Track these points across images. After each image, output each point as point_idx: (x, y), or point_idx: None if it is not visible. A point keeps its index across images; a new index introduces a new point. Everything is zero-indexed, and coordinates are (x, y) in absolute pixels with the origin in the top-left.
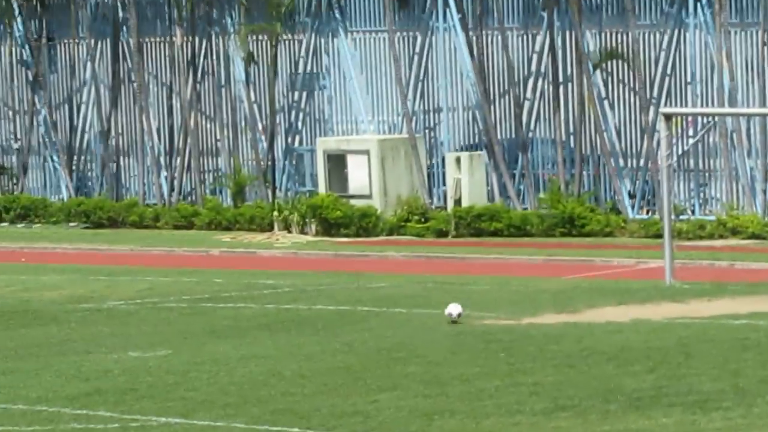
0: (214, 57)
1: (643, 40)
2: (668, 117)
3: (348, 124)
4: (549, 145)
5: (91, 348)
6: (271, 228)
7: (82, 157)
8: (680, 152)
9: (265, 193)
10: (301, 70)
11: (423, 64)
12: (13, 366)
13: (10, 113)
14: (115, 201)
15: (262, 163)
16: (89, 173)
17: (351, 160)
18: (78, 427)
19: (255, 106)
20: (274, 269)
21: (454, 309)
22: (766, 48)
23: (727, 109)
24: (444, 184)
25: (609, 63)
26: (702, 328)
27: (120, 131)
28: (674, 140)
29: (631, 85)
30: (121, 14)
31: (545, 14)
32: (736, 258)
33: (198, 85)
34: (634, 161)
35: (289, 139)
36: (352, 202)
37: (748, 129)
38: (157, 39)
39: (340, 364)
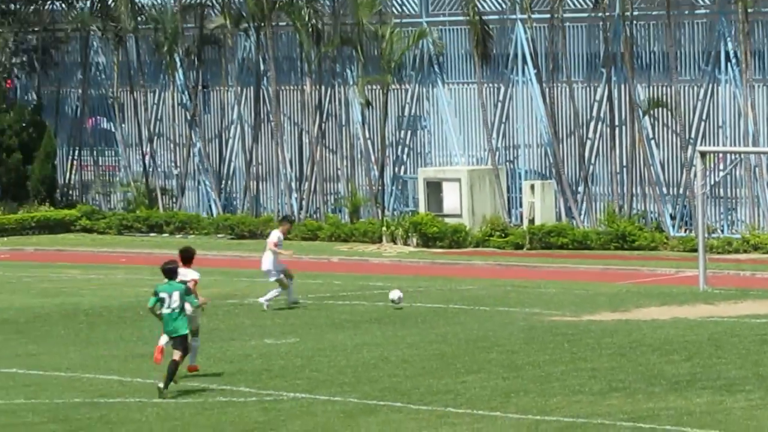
0: (337, 102)
1: (684, 92)
2: (703, 154)
3: (444, 158)
4: (605, 175)
5: (234, 336)
6: (380, 240)
7: (229, 182)
8: (713, 183)
9: (376, 212)
10: (406, 113)
11: (505, 110)
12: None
13: (171, 145)
14: (255, 217)
15: (373, 188)
16: (234, 195)
17: (446, 186)
18: (223, 400)
19: (369, 142)
20: (383, 274)
21: (395, 294)
22: None
23: (751, 149)
24: (521, 207)
25: (655, 110)
26: (729, 326)
27: (260, 161)
28: (708, 173)
29: (674, 128)
30: (262, 67)
31: (604, 70)
32: (758, 269)
33: (323, 125)
34: (675, 189)
35: (396, 169)
36: (446, 220)
37: None
38: (291, 87)
39: (435, 352)
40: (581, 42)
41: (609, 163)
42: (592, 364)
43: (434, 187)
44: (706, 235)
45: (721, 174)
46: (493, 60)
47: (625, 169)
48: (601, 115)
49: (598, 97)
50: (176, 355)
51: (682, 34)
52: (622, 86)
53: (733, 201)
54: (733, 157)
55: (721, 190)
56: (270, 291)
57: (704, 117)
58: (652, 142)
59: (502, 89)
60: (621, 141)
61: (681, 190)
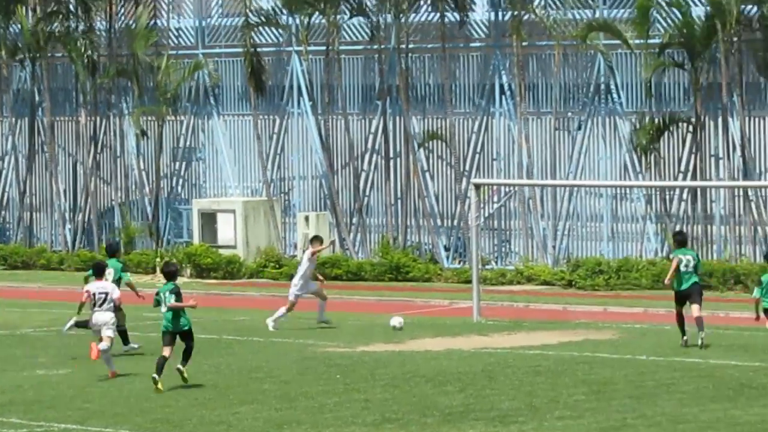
0: (112, 133)
1: (459, 124)
2: (477, 186)
3: (219, 189)
4: (380, 207)
5: (6, 366)
6: (154, 271)
7: (2, 212)
8: (487, 215)
9: (150, 243)
10: (182, 144)
11: (280, 141)
12: None
13: None
14: (28, 248)
15: (148, 219)
16: (8, 225)
17: (220, 218)
18: None
19: (144, 173)
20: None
21: (396, 320)
22: (556, 132)
23: (524, 181)
24: (295, 238)
25: (430, 142)
26: (503, 357)
27: (34, 191)
28: (482, 205)
29: (448, 160)
30: (37, 98)
31: (380, 103)
32: (531, 300)
33: (98, 156)
34: (450, 221)
35: (171, 200)
36: (221, 251)
37: (542, 197)
38: (66, 118)
39: (209, 382)
40: (357, 74)
41: (384, 195)
42: (366, 395)
43: (209, 218)
44: (480, 267)
45: (495, 206)
46: (268, 92)
47: (399, 201)
48: (376, 146)
49: (373, 129)
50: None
51: (457, 67)
52: (397, 118)
53: (507, 233)
54: (507, 189)
55: (495, 222)
56: (279, 310)
57: (479, 149)
58: (427, 174)
59: (278, 121)
60: (396, 173)
61: (455, 222)
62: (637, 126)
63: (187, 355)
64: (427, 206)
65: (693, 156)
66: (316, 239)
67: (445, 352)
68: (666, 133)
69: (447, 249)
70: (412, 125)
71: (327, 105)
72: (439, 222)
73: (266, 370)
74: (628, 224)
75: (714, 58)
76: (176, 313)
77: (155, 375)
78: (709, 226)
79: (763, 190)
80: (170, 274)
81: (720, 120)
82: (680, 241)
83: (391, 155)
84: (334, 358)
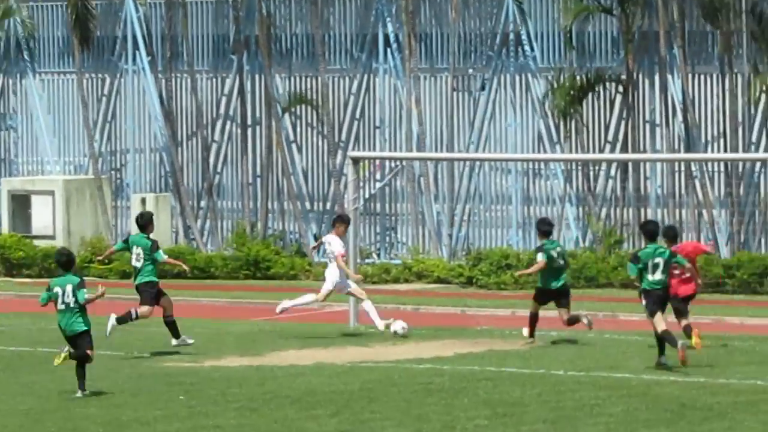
0: None
1: (333, 84)
2: (356, 161)
3: (34, 165)
4: (235, 186)
5: None
6: None
7: None
8: (367, 196)
9: None
10: None
11: (111, 106)
12: None
13: None
14: None
15: None
16: None
17: (35, 201)
18: None
19: None
20: None
21: (398, 326)
22: (455, 94)
23: (414, 154)
24: (128, 226)
25: (298, 107)
26: (386, 372)
27: None
28: (361, 184)
29: (320, 129)
30: None
31: (235, 58)
32: (421, 302)
33: None
34: (321, 204)
35: None
36: (36, 242)
37: (436, 174)
38: None
39: (20, 406)
40: (206, 22)
41: (239, 172)
42: (216, 421)
43: (21, 202)
44: (359, 261)
45: (378, 185)
46: (96, 44)
47: (259, 180)
48: (231, 112)
49: (226, 91)
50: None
51: (331, 14)
52: (257, 77)
53: (393, 219)
54: (393, 164)
55: (378, 206)
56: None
57: (358, 115)
58: (294, 146)
59: (108, 81)
60: (255, 145)
61: (328, 206)
62: (555, 85)
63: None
64: (293, 186)
65: (623, 122)
66: (341, 221)
67: (315, 367)
68: (590, 95)
69: (317, 239)
70: (275, 85)
71: (169, 61)
72: (308, 205)
73: (92, 390)
74: (542, 207)
75: (649, 1)
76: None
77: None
78: (642, 209)
79: (709, 164)
80: (68, 264)
81: (657, 78)
82: (650, 232)
83: (249, 123)
84: (175, 376)
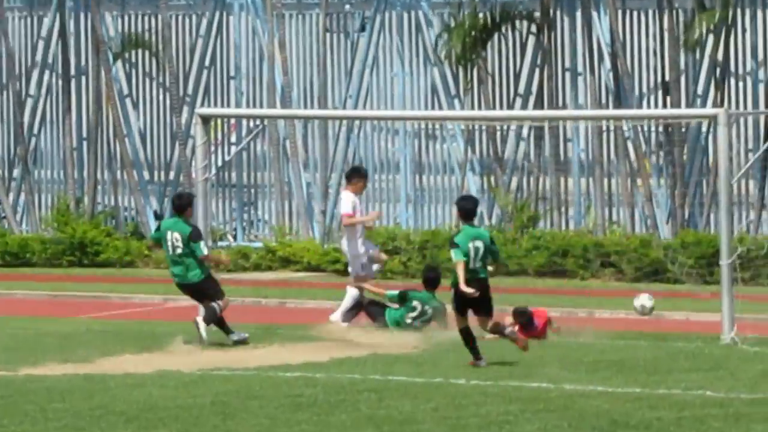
0: None
1: (177, 24)
2: (206, 119)
3: None
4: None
5: None
6: None
7: None
8: (220, 163)
9: None
10: None
11: None
12: None
13: None
14: None
15: None
16: None
17: None
18: None
19: None
20: None
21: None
22: (328, 36)
23: (279, 111)
24: None
25: (133, 52)
26: (245, 382)
27: None
28: (213, 149)
29: (161, 80)
30: None
31: None
32: (288, 295)
33: None
34: (163, 174)
35: None
36: None
37: (305, 136)
38: None
39: None
40: None
41: (61, 135)
42: None
43: None
44: (211, 244)
45: (234, 150)
46: None
47: (85, 143)
48: (49, 59)
49: (44, 33)
50: None
51: None
52: (82, 16)
53: (252, 191)
54: (252, 123)
55: (234, 175)
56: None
57: (208, 63)
58: (128, 101)
59: None
60: (80, 100)
61: (172, 176)
62: (452, 25)
63: None
64: (127, 151)
65: (538, 71)
66: (357, 174)
67: (157, 376)
68: (496, 37)
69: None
70: (105, 26)
71: None
72: (146, 175)
73: None
74: (438, 177)
75: None
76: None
77: None
78: (562, 179)
79: (645, 123)
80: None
81: (579, 15)
82: (466, 211)
83: (73, 73)
84: None
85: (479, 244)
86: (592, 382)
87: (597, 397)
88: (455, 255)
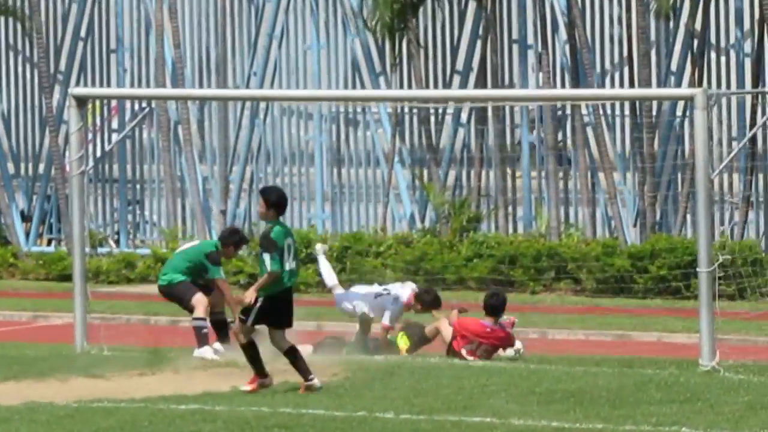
0: None
1: None
2: (82, 102)
3: None
4: None
5: None
6: None
7: None
8: (98, 155)
9: None
10: None
11: None
12: None
13: None
14: None
15: None
16: None
17: None
18: None
19: None
20: None
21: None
22: (227, 1)
23: (169, 90)
24: None
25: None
26: (130, 417)
27: None
28: (90, 136)
29: (27, 53)
30: None
31: None
32: (182, 312)
33: None
34: (32, 168)
35: None
36: None
37: (201, 120)
38: None
39: None
40: None
41: None
42: None
43: None
44: (89, 251)
45: (116, 138)
46: None
47: None
48: None
49: None
50: None
51: None
52: None
53: (140, 187)
54: (138, 105)
55: (116, 168)
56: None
57: (84, 34)
58: None
59: None
60: None
61: (42, 170)
62: None
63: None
64: None
65: (480, 43)
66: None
67: (25, 409)
68: (429, 3)
69: (26, 218)
70: None
71: None
72: (10, 168)
73: None
74: (360, 170)
75: None
76: None
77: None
78: (509, 172)
79: (608, 105)
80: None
81: None
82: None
83: None
84: None
85: None
86: (545, 416)
87: None
88: None
